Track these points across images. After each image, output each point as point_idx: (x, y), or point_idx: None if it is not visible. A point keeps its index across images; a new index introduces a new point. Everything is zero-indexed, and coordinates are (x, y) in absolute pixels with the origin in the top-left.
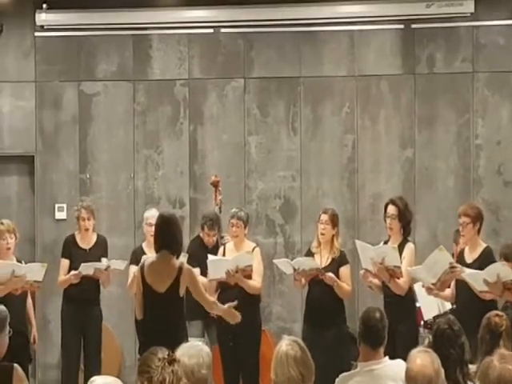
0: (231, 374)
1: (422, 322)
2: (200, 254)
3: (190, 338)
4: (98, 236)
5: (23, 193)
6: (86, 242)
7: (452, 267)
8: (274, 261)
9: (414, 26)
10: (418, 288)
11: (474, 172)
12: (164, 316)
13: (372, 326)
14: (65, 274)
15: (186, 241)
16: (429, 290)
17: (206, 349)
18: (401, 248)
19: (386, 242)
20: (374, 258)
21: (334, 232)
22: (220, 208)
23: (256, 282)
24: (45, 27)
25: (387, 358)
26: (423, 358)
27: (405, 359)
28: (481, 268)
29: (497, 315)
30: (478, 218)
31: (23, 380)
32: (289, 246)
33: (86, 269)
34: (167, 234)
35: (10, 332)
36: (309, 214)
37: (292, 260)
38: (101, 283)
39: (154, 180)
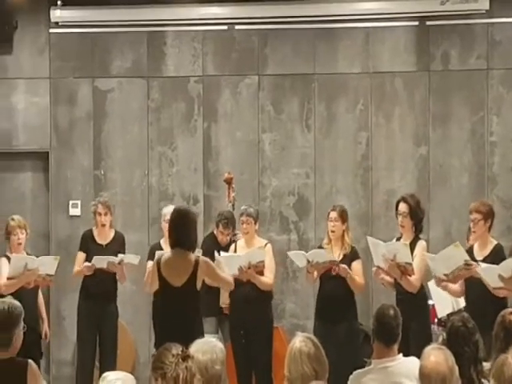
0: (244, 371)
1: (436, 320)
2: (213, 252)
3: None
4: (116, 232)
5: (37, 189)
6: (103, 237)
7: (467, 264)
8: (288, 253)
9: (428, 23)
10: (431, 286)
11: (489, 169)
12: (181, 310)
13: (386, 323)
14: (80, 267)
15: (200, 237)
16: (438, 281)
17: (220, 345)
18: (412, 245)
19: (398, 239)
20: (385, 255)
21: (343, 228)
22: (233, 205)
23: (268, 278)
24: (59, 24)
25: (401, 355)
26: (437, 355)
27: (418, 357)
28: None
29: (511, 313)
30: (489, 215)
31: (38, 375)
32: (303, 243)
33: (99, 262)
34: (181, 230)
35: (24, 328)
36: (322, 211)
37: (307, 252)
38: (117, 279)
39: (168, 177)
